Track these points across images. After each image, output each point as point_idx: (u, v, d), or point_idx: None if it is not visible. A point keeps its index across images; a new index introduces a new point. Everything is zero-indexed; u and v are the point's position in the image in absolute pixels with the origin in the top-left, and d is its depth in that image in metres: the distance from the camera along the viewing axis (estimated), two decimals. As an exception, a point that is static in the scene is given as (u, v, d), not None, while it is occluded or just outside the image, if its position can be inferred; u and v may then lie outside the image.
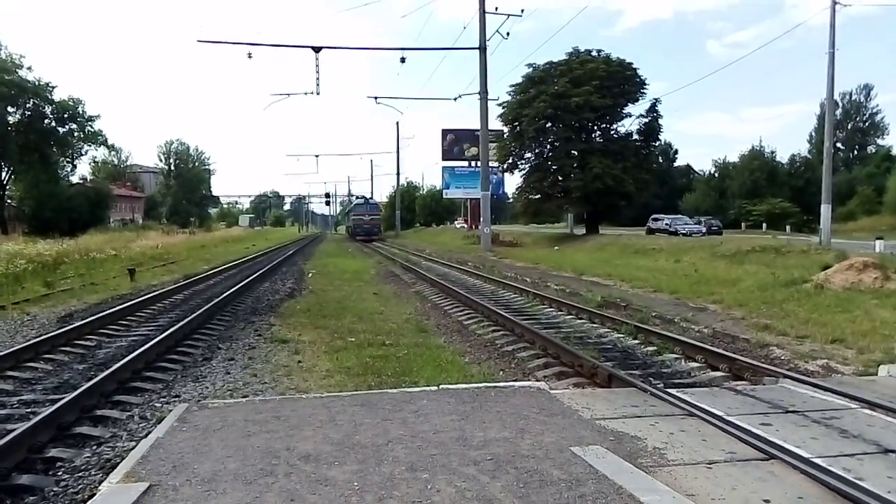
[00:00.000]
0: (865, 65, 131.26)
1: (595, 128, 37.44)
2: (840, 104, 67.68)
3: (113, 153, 80.00)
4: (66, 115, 50.10)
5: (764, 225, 48.18)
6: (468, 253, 31.14)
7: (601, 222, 40.09)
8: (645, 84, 36.65)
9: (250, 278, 17.78)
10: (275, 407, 5.19)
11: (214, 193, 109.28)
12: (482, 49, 29.44)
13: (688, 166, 79.80)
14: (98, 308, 12.42)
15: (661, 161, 66.72)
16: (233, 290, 14.66)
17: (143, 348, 7.85)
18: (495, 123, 38.07)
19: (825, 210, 25.28)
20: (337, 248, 43.49)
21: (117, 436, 5.24)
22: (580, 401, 5.34)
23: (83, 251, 24.34)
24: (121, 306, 11.99)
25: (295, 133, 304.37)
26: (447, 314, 12.17)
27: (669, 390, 5.72)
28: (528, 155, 38.97)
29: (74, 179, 57.49)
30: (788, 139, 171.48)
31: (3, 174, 49.78)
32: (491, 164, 36.22)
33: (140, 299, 13.07)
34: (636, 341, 8.92)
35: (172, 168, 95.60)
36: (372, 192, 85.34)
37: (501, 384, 6.10)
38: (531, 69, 36.96)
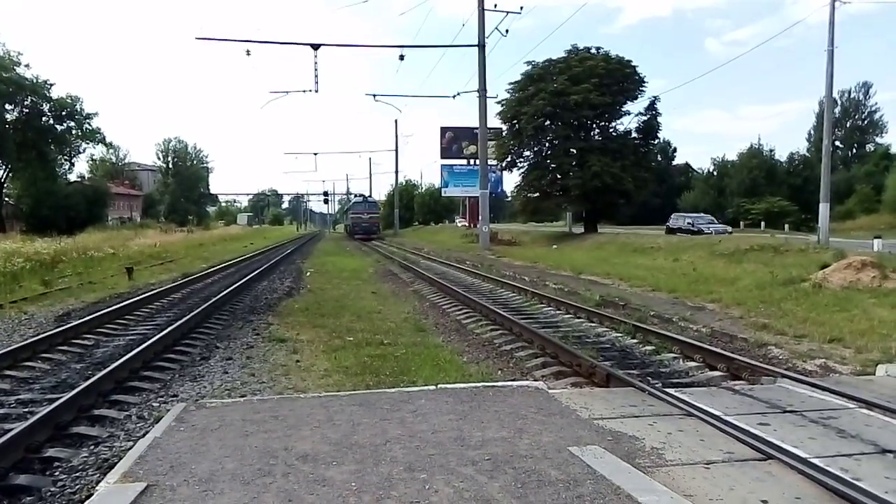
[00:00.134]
0: (864, 62, 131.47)
1: (594, 126, 37.42)
2: (839, 102, 67.62)
3: (111, 151, 79.99)
4: (63, 113, 50.02)
5: (762, 223, 48.18)
6: (466, 251, 31.14)
7: (600, 221, 40.06)
8: (644, 82, 36.67)
9: (248, 277, 17.78)
10: (273, 407, 5.18)
11: (213, 192, 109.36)
12: (481, 46, 29.44)
13: (686, 164, 79.87)
14: (96, 307, 12.41)
15: (659, 159, 66.72)
16: (231, 288, 14.66)
17: (140, 347, 7.84)
18: (494, 121, 38.10)
19: (823, 209, 25.30)
20: (335, 246, 43.49)
21: (115, 436, 5.23)
22: (578, 400, 5.34)
23: (81, 249, 24.31)
24: (118, 305, 11.97)
25: (293, 131, 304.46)
26: (445, 313, 12.17)
27: (667, 390, 5.73)
28: (526, 153, 38.94)
29: (72, 177, 57.52)
30: (787, 137, 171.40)
31: (1, 172, 49.72)
32: (490, 162, 36.22)
33: (138, 298, 13.06)
34: (634, 340, 8.92)
35: (171, 166, 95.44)
36: (370, 191, 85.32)
37: (499, 384, 6.11)
38: (530, 67, 36.94)
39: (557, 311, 11.84)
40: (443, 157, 60.83)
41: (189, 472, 3.79)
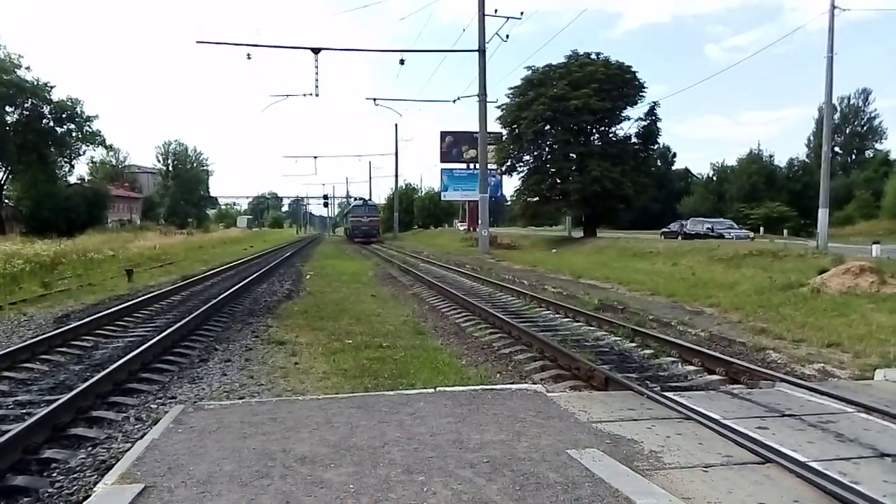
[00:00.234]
0: (864, 69, 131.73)
1: (594, 131, 37.42)
2: (838, 108, 67.75)
3: (111, 153, 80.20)
4: (64, 116, 50.12)
5: (761, 229, 48.16)
6: (466, 255, 31.14)
7: (599, 225, 40.07)
8: (644, 87, 36.70)
9: (248, 280, 17.78)
10: (271, 409, 5.18)
11: (212, 194, 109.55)
12: (481, 51, 29.49)
13: (686, 170, 79.93)
14: (95, 309, 12.40)
15: (659, 164, 66.70)
16: (230, 291, 14.65)
17: (139, 349, 7.84)
18: (494, 126, 38.13)
19: (822, 214, 25.31)
20: (335, 249, 43.48)
21: (113, 437, 5.23)
22: (577, 404, 5.34)
23: (81, 251, 24.30)
24: (118, 307, 11.97)
25: (293, 134, 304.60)
26: (444, 316, 12.17)
27: (666, 393, 5.72)
28: (526, 157, 38.95)
29: (72, 180, 57.59)
30: (787, 143, 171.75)
31: (1, 174, 49.78)
32: (489, 166, 36.24)
33: (137, 300, 13.06)
34: (633, 344, 8.92)
35: (171, 169, 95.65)
36: (370, 194, 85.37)
37: (498, 387, 6.10)
38: (530, 72, 36.98)
39: (556, 315, 11.84)
40: (443, 160, 60.88)
41: (187, 473, 3.78)
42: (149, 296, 13.92)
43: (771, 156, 65.61)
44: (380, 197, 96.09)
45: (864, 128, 71.11)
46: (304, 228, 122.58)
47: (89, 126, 51.76)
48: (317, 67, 27.51)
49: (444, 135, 60.66)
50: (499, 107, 37.86)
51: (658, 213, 56.54)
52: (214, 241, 49.82)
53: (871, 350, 7.74)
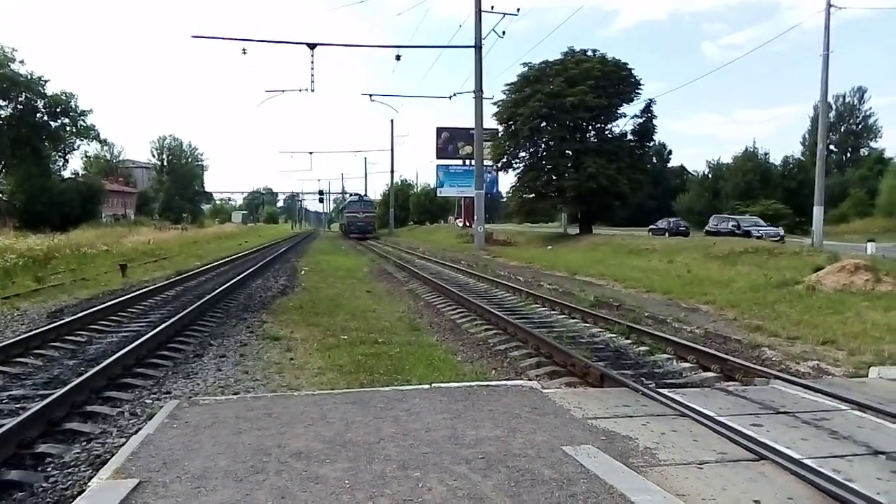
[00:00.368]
0: (859, 67, 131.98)
1: (590, 127, 37.47)
2: (833, 107, 67.84)
3: (105, 148, 79.54)
4: (58, 110, 49.81)
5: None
6: (462, 251, 31.14)
7: (595, 222, 40.11)
8: (640, 84, 36.74)
9: (243, 275, 17.73)
10: (266, 404, 5.17)
11: (207, 189, 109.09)
12: (477, 47, 29.44)
13: (682, 167, 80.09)
14: (89, 303, 12.35)
15: (655, 161, 66.77)
16: (225, 286, 14.62)
17: (133, 344, 7.81)
18: (490, 122, 38.12)
19: (818, 212, 25.42)
20: (330, 245, 43.42)
21: (107, 432, 5.21)
22: (572, 400, 5.35)
23: (74, 246, 24.20)
24: (112, 302, 11.92)
25: (289, 130, 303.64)
26: (440, 312, 12.17)
27: (661, 390, 5.74)
28: (522, 154, 38.97)
29: (66, 174, 57.17)
30: (782, 141, 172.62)
31: (-5, 168, 49.52)
32: (485, 162, 36.21)
33: (131, 295, 13.01)
34: (628, 341, 8.94)
35: (165, 164, 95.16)
36: (366, 190, 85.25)
37: (493, 383, 6.10)
38: (526, 68, 36.96)
39: (552, 312, 11.85)
40: (438, 157, 60.79)
41: (182, 468, 3.77)
42: (143, 291, 13.87)
43: (766, 153, 65.63)
44: (375, 193, 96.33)
45: (860, 126, 71.29)
46: (299, 224, 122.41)
47: (83, 120, 51.51)
48: (312, 63, 27.45)
49: (440, 131, 60.59)
50: (495, 103, 37.91)
51: (653, 211, 56.58)
52: (209, 236, 49.71)
53: (866, 348, 7.77)
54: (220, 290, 13.85)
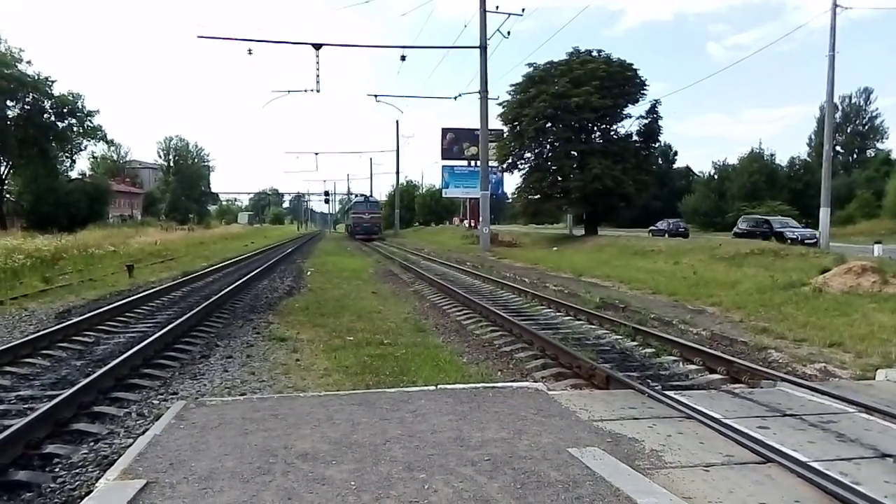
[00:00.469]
0: (865, 68, 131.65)
1: (595, 128, 37.37)
2: (840, 107, 67.64)
3: (112, 149, 79.86)
4: (65, 110, 49.99)
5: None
6: (467, 252, 31.14)
7: (600, 223, 40.03)
8: (645, 85, 36.62)
9: (249, 276, 17.78)
10: (272, 405, 5.18)
11: (213, 190, 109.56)
12: (482, 48, 29.44)
13: (687, 168, 79.79)
14: (96, 304, 12.41)
15: (660, 162, 66.71)
16: (231, 287, 14.66)
17: (141, 345, 7.85)
18: (495, 123, 38.08)
19: (824, 213, 25.31)
20: (336, 246, 43.49)
21: (115, 433, 5.23)
22: (578, 402, 5.34)
23: (82, 247, 24.33)
24: (119, 303, 11.98)
25: (295, 130, 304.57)
26: (445, 314, 12.17)
27: (667, 392, 5.73)
28: (527, 155, 38.89)
29: (73, 175, 57.37)
30: (788, 142, 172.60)
31: (2, 169, 49.68)
32: (490, 163, 36.21)
33: (138, 296, 13.07)
34: (634, 343, 8.92)
35: (172, 164, 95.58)
36: (371, 191, 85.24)
37: (499, 384, 6.11)
38: (531, 69, 36.90)
39: (557, 313, 11.84)
40: (444, 157, 60.85)
41: (189, 469, 3.79)
42: (150, 291, 13.93)
43: (772, 154, 65.47)
44: (381, 194, 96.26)
45: (866, 127, 70.99)
46: (304, 225, 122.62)
47: (90, 121, 51.67)
48: (318, 63, 27.54)
49: (445, 131, 60.64)
50: (500, 104, 37.84)
51: (659, 212, 56.44)
52: (215, 237, 49.85)
53: (873, 350, 7.73)
54: (226, 290, 13.90)
